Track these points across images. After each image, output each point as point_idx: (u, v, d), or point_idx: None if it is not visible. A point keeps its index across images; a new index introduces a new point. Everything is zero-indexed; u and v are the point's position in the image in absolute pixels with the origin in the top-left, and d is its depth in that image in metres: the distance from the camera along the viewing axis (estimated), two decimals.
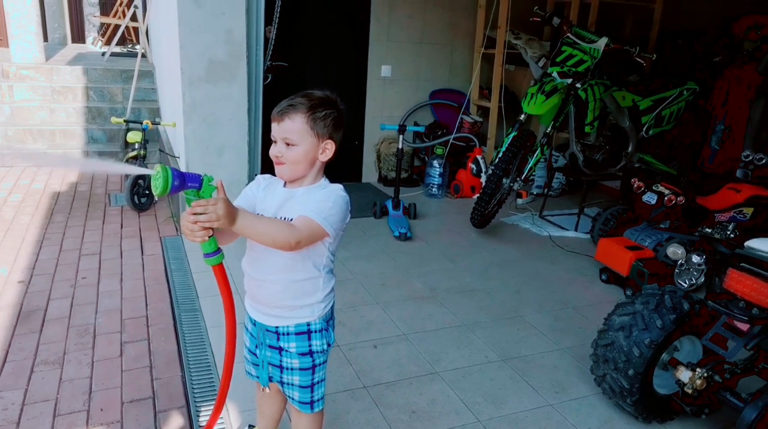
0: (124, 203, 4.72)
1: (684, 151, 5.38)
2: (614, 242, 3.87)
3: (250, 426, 2.13)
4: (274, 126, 1.63)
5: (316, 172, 1.68)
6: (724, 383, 2.23)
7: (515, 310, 3.41)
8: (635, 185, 4.14)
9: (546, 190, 5.54)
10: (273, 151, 1.63)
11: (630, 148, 4.80)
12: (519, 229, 4.90)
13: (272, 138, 1.64)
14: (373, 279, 3.70)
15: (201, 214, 1.38)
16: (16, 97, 6.61)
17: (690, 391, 2.24)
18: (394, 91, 5.84)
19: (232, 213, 1.42)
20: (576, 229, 4.88)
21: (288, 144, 1.61)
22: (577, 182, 5.84)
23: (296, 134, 1.60)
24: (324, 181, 1.71)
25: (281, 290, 1.68)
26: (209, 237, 1.45)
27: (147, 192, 4.67)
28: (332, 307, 1.81)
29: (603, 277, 3.96)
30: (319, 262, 1.69)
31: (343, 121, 1.68)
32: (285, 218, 1.63)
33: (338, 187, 1.67)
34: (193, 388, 2.47)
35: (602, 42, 4.31)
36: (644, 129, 4.80)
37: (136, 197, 4.60)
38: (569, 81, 4.28)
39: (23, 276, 3.43)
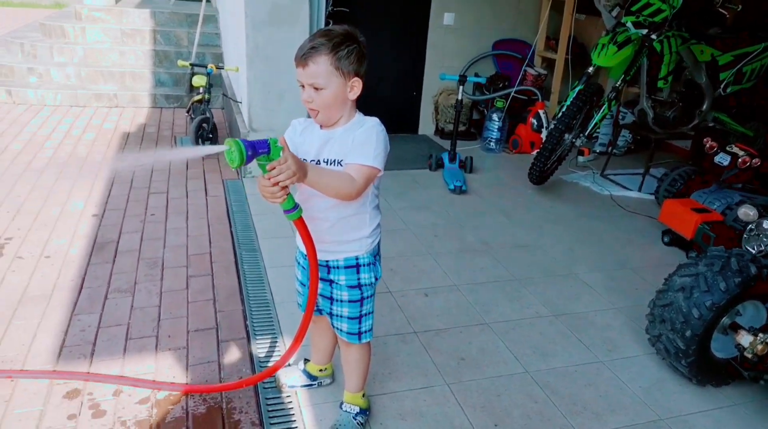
0: (189, 145, 4.87)
1: (763, 111, 5.03)
2: (680, 204, 3.72)
3: (305, 360, 2.23)
4: (299, 71, 1.60)
5: (348, 109, 1.68)
6: None
7: (569, 268, 3.37)
8: (707, 145, 3.94)
9: (610, 148, 5.34)
10: (304, 97, 1.62)
11: (705, 106, 4.53)
12: (579, 187, 4.78)
13: (299, 83, 1.62)
14: (426, 230, 3.73)
15: (277, 175, 1.42)
16: (89, 39, 6.84)
17: (750, 356, 2.19)
18: (456, 40, 5.68)
19: (303, 167, 1.48)
20: (640, 190, 4.72)
21: (316, 88, 1.59)
22: (644, 140, 5.59)
23: (323, 77, 1.58)
24: (358, 115, 1.71)
25: (330, 226, 1.73)
26: (287, 195, 1.51)
27: (210, 135, 4.80)
28: (379, 242, 1.85)
29: (665, 239, 3.84)
30: (365, 199, 1.73)
31: (366, 53, 1.64)
32: (328, 160, 1.66)
33: (375, 122, 1.68)
34: (253, 322, 2.60)
35: None
36: (722, 86, 4.50)
37: (200, 140, 4.73)
38: (644, 32, 4.03)
39: (97, 210, 3.65)
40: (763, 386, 2.33)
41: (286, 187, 1.47)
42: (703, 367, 2.34)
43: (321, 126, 1.70)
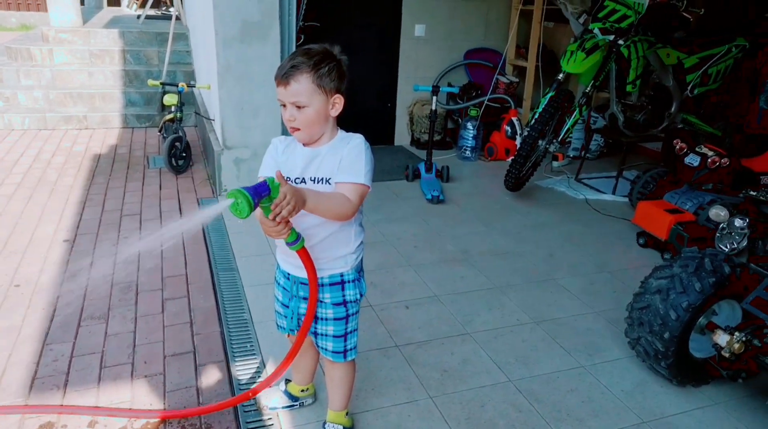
0: (162, 165, 4.81)
1: (729, 111, 5.14)
2: (653, 205, 3.77)
3: (286, 380, 2.20)
4: (280, 90, 1.59)
5: (331, 127, 1.67)
6: (763, 348, 2.18)
7: (548, 273, 3.39)
8: (677, 146, 4.02)
9: (583, 153, 5.41)
10: (286, 116, 1.61)
11: (673, 108, 4.62)
12: (554, 192, 4.82)
13: (279, 102, 1.62)
14: (406, 241, 3.72)
15: (280, 212, 1.41)
16: (56, 61, 6.73)
17: (727, 355, 2.21)
18: (427, 51, 5.72)
19: (301, 196, 1.47)
20: (614, 193, 4.77)
21: (299, 107, 1.59)
22: (616, 144, 5.68)
23: (305, 96, 1.57)
24: (340, 132, 1.70)
25: (318, 242, 1.70)
26: (290, 228, 1.51)
27: (184, 154, 4.75)
28: (362, 258, 1.84)
29: (640, 241, 3.88)
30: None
31: (346, 70, 1.64)
32: (315, 178, 1.65)
33: (360, 139, 1.68)
34: (231, 344, 2.55)
35: None
36: (689, 88, 4.60)
37: (173, 160, 4.68)
38: (611, 38, 4.11)
39: (68, 235, 3.56)
40: (741, 384, 2.35)
41: (289, 221, 1.48)
42: (683, 368, 2.36)
43: (304, 144, 1.69)
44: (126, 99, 6.49)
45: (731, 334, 2.20)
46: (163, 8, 9.94)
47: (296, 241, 1.57)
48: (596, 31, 4.12)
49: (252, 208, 1.37)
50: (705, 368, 2.40)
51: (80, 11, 7.50)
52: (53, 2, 7.19)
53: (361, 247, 1.82)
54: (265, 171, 1.75)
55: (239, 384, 2.31)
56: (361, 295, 1.85)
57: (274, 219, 1.44)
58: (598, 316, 2.97)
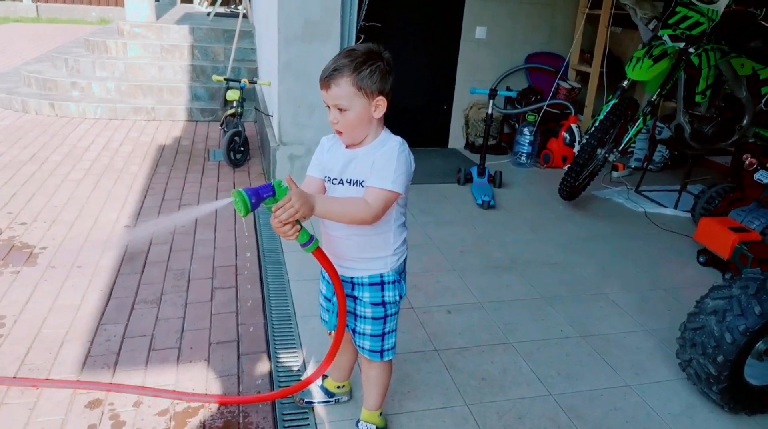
0: (221, 159, 4.97)
1: None
2: (717, 222, 3.59)
3: (324, 376, 2.22)
4: (323, 93, 1.61)
5: (374, 128, 1.67)
6: None
7: (598, 287, 3.28)
8: (747, 161, 3.82)
9: (646, 164, 5.21)
10: (330, 118, 1.63)
11: (745, 121, 4.37)
12: (611, 203, 4.66)
13: (324, 104, 1.63)
14: (452, 245, 3.69)
15: (281, 214, 1.46)
16: (129, 54, 7.07)
17: None
18: (487, 53, 5.65)
19: (308, 202, 1.49)
20: (676, 207, 4.57)
21: (340, 109, 1.59)
22: (681, 156, 5.44)
23: (346, 99, 1.58)
24: (384, 134, 1.69)
25: (352, 245, 1.72)
26: (299, 230, 1.53)
27: (242, 149, 4.89)
28: (404, 260, 1.83)
29: (701, 259, 3.70)
30: (389, 218, 1.71)
31: (391, 69, 1.62)
32: (351, 181, 1.66)
33: (397, 143, 1.65)
34: (274, 336, 2.61)
35: (723, 2, 3.90)
36: (763, 101, 4.34)
37: (232, 154, 4.82)
38: (682, 45, 3.93)
39: (129, 221, 3.74)
40: None
41: (295, 224, 1.50)
42: (736, 394, 2.24)
43: (347, 145, 1.70)
44: (192, 93, 6.74)
45: None
46: (233, 6, 10.26)
47: (308, 243, 1.57)
48: (666, 37, 3.95)
49: (248, 209, 1.43)
50: (761, 397, 2.26)
51: (155, 7, 7.85)
52: None
53: (403, 249, 1.81)
54: (312, 170, 1.78)
55: (279, 376, 2.35)
56: (401, 297, 1.85)
57: (277, 219, 1.47)
58: (649, 334, 2.85)
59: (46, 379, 2.22)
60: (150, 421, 2.06)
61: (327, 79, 1.58)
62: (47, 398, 2.14)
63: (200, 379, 2.30)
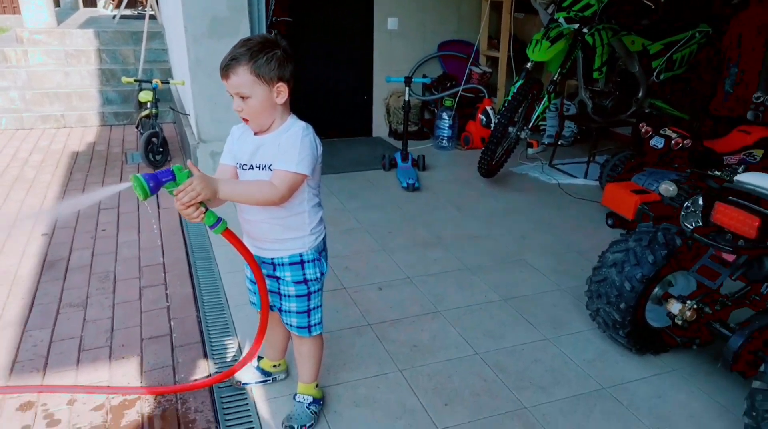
0: (140, 161, 4.85)
1: (696, 95, 5.29)
2: (620, 187, 3.89)
3: (258, 357, 2.27)
4: (224, 83, 1.67)
5: (280, 114, 1.73)
6: (714, 315, 2.30)
7: (519, 254, 3.50)
8: (643, 130, 4.13)
9: (557, 140, 5.53)
10: (234, 107, 1.70)
11: (640, 94, 4.75)
12: (528, 178, 4.93)
13: (228, 93, 1.69)
14: (380, 228, 3.80)
15: (182, 197, 1.53)
16: (31, 62, 6.71)
17: (680, 323, 2.32)
18: (401, 43, 5.80)
19: (209, 185, 1.57)
20: (585, 177, 4.90)
21: (243, 97, 1.66)
22: (589, 130, 5.81)
23: (246, 87, 1.64)
24: (290, 119, 1.76)
25: (268, 227, 1.79)
26: (204, 213, 1.59)
27: (161, 149, 4.79)
28: (324, 238, 1.92)
29: (609, 221, 3.98)
30: (301, 199, 1.79)
31: (289, 56, 1.69)
32: (260, 165, 1.73)
33: (301, 126, 1.73)
34: (208, 326, 2.63)
35: None
36: (655, 73, 4.74)
37: (150, 155, 4.72)
38: (576, 26, 4.22)
39: (47, 229, 3.60)
40: (697, 351, 2.48)
41: (199, 206, 1.56)
42: (640, 337, 2.47)
43: (255, 132, 1.76)
44: (103, 97, 6.50)
45: (683, 302, 2.31)
46: (139, 8, 9.91)
47: (215, 224, 1.65)
48: (561, 20, 4.22)
49: (147, 193, 1.51)
50: (662, 337, 2.51)
51: (54, 12, 7.47)
52: (26, 4, 7.14)
53: (320, 229, 1.89)
54: (225, 157, 1.84)
55: (215, 363, 2.38)
56: (322, 274, 1.93)
57: (179, 202, 1.54)
58: (565, 292, 3.08)
59: None
60: (86, 417, 2.04)
61: (225, 69, 1.64)
62: None
63: (134, 374, 2.30)
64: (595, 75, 4.52)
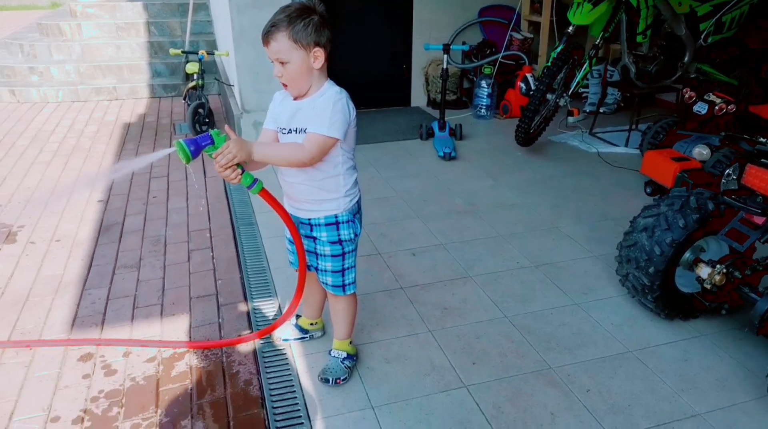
0: (188, 131, 5.05)
1: (746, 59, 5.07)
2: (660, 154, 3.83)
3: (297, 315, 2.42)
4: (266, 50, 1.77)
5: (317, 79, 1.82)
6: (744, 279, 2.30)
7: (552, 222, 3.52)
8: (686, 95, 4.04)
9: (599, 107, 5.43)
10: (275, 72, 1.79)
11: (687, 58, 4.60)
12: (566, 146, 4.89)
13: (269, 60, 1.79)
14: (416, 196, 3.88)
15: (220, 159, 1.66)
16: (85, 35, 7.00)
17: (709, 287, 2.33)
18: (441, 11, 5.76)
19: (244, 148, 1.70)
20: (626, 145, 4.82)
21: (282, 63, 1.75)
22: (632, 97, 5.67)
23: (285, 53, 1.73)
24: (326, 85, 1.84)
25: (305, 189, 1.90)
26: (241, 174, 1.72)
27: (207, 120, 4.97)
28: (358, 201, 2.02)
29: (647, 190, 3.96)
30: (336, 162, 1.88)
31: (326, 22, 1.76)
32: (297, 129, 1.83)
33: (335, 91, 1.82)
34: (250, 287, 2.79)
35: None
36: (702, 36, 4.57)
37: (197, 125, 4.91)
38: None
39: (102, 196, 3.85)
40: (725, 316, 2.49)
41: (236, 168, 1.70)
42: (669, 302, 2.49)
43: (294, 98, 1.86)
44: (152, 70, 6.74)
45: (713, 266, 2.32)
46: None
47: (252, 185, 1.78)
48: None
49: (189, 157, 1.64)
50: (692, 302, 2.53)
51: None
52: None
53: (354, 192, 1.99)
54: (267, 122, 1.95)
55: (257, 321, 2.55)
56: (356, 235, 2.03)
57: (217, 164, 1.68)
58: (597, 259, 3.10)
59: (39, 340, 2.39)
60: (140, 368, 2.24)
61: (266, 36, 1.74)
62: (41, 356, 2.31)
63: (183, 330, 2.49)
64: (639, 39, 4.41)
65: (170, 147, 1.70)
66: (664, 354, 2.37)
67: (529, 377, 2.23)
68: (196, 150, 1.65)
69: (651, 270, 2.42)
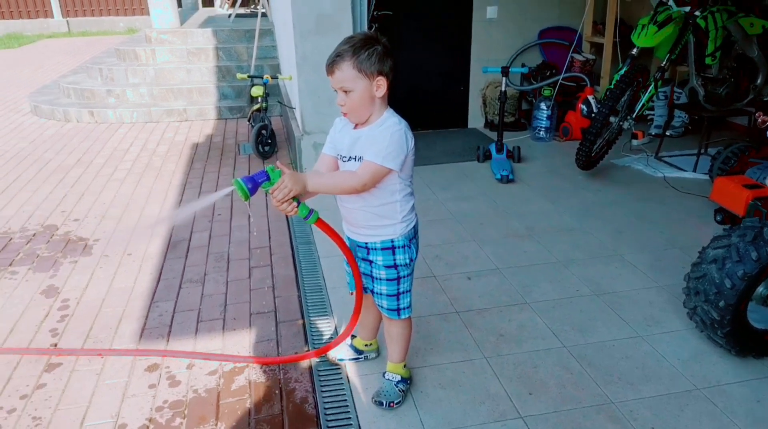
0: (251, 152, 5.24)
1: None
2: (732, 181, 3.67)
3: (352, 336, 2.45)
4: (330, 79, 1.82)
5: (377, 108, 1.86)
6: None
7: (614, 249, 3.42)
8: (759, 119, 3.86)
9: (665, 130, 5.26)
10: (338, 101, 1.84)
11: (759, 80, 4.42)
12: (630, 170, 4.76)
13: (332, 88, 1.84)
14: (472, 219, 3.87)
15: (276, 195, 1.73)
16: (158, 60, 7.42)
17: None
18: (500, 32, 5.76)
19: (299, 181, 1.76)
20: (694, 170, 4.64)
21: (345, 91, 1.80)
22: (701, 120, 5.47)
23: (349, 81, 1.78)
24: (386, 114, 1.88)
25: (362, 215, 1.94)
26: (297, 206, 1.78)
27: (269, 141, 5.15)
28: (415, 226, 2.04)
29: (717, 218, 3.79)
30: (392, 190, 1.91)
31: (389, 52, 1.81)
32: (356, 157, 1.87)
33: (394, 122, 1.85)
34: (307, 305, 2.85)
35: None
36: None
37: (260, 146, 5.09)
38: (687, 9, 4.00)
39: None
40: None
41: (292, 201, 1.76)
42: (741, 338, 2.37)
43: (355, 125, 1.91)
44: (219, 93, 7.05)
45: None
46: (252, 6, 10.53)
47: (308, 216, 1.83)
48: (671, 2, 4.03)
49: (247, 194, 1.70)
50: (765, 339, 2.39)
51: (178, 13, 8.18)
52: (154, 6, 7.89)
53: (410, 218, 2.01)
54: (326, 147, 2.01)
55: (313, 339, 2.60)
56: (412, 260, 2.05)
57: (274, 199, 1.74)
58: (663, 290, 2.99)
59: (110, 349, 2.52)
60: (202, 381, 2.33)
61: (331, 65, 1.80)
62: (111, 365, 2.43)
63: (244, 344, 2.57)
64: (708, 61, 4.27)
65: (229, 186, 1.77)
66: (735, 393, 2.25)
67: (589, 411, 2.16)
68: (253, 187, 1.72)
69: (721, 304, 2.31)
